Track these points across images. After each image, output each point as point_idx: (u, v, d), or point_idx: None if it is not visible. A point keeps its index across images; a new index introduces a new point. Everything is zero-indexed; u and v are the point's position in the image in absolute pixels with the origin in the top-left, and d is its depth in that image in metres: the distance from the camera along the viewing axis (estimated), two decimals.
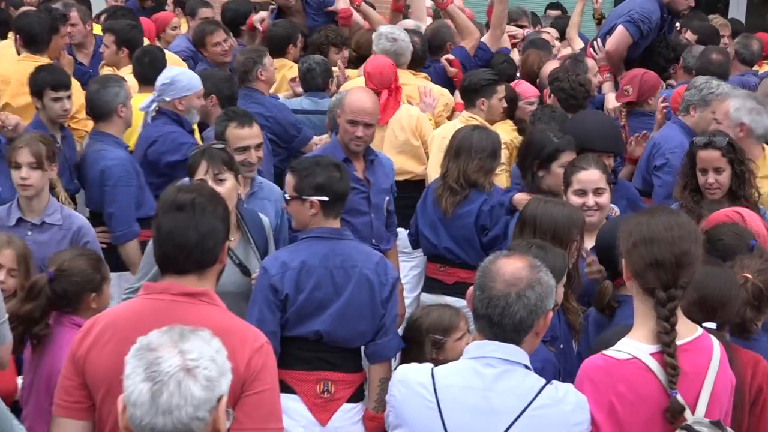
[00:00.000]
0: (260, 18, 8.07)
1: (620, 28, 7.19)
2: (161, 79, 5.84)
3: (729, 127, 5.42)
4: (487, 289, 2.92)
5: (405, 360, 3.76)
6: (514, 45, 8.25)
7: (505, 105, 6.19)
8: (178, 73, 5.98)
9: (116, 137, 5.64)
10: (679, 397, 2.93)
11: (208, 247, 2.98)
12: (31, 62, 6.48)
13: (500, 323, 2.91)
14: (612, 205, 5.03)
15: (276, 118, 6.40)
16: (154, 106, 5.79)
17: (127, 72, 6.87)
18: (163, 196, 3.27)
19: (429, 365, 3.10)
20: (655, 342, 2.98)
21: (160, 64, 6.51)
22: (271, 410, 2.92)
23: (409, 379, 3.03)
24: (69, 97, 5.79)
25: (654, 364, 2.96)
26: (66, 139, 5.89)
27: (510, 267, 2.96)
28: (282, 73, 7.48)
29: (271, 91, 7.03)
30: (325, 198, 4.21)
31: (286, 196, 4.30)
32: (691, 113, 5.90)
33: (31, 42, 6.84)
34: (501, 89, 6.18)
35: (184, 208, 2.99)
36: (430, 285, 5.60)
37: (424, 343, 3.80)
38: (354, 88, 5.72)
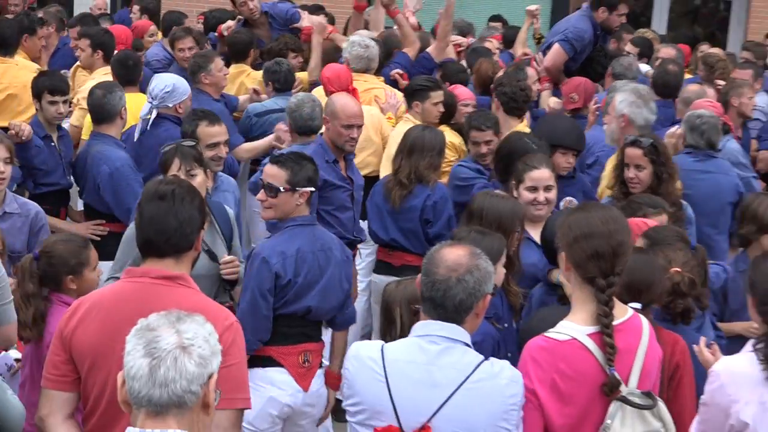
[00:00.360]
0: (227, 26, 8.45)
1: (556, 46, 7.86)
2: (161, 87, 6.10)
3: (614, 117, 5.88)
4: (431, 274, 3.14)
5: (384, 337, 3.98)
6: (459, 53, 8.68)
7: (441, 109, 6.50)
8: (174, 80, 6.26)
9: (116, 138, 5.91)
10: (615, 374, 3.13)
11: (185, 233, 3.19)
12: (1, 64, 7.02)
13: (443, 304, 3.12)
14: (571, 198, 5.42)
15: None
16: (155, 113, 6.05)
17: (101, 74, 7.22)
18: (146, 187, 3.54)
19: (380, 342, 3.32)
20: (593, 324, 3.19)
21: (140, 68, 7.03)
22: (239, 382, 3.12)
23: (361, 354, 3.23)
24: (65, 101, 6.09)
25: (591, 344, 3.17)
26: (62, 138, 6.18)
27: (452, 254, 3.17)
28: (241, 79, 7.88)
29: (233, 93, 7.48)
30: (313, 189, 4.61)
31: (280, 188, 4.54)
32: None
33: (1, 45, 7.23)
34: (435, 95, 6.47)
35: (165, 197, 3.20)
36: (380, 266, 5.95)
37: (395, 318, 4.04)
38: (337, 96, 6.02)
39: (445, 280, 3.11)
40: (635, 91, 6.09)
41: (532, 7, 8.52)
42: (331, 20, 9.46)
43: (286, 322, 4.54)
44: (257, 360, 4.47)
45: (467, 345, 3.16)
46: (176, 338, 2.37)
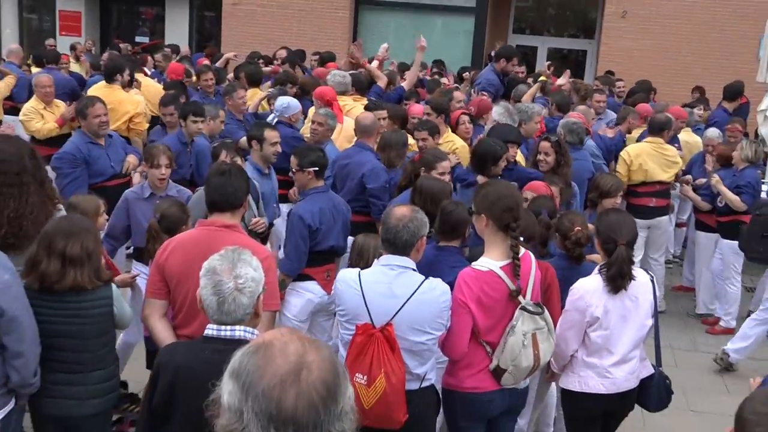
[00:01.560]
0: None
1: (479, 96, 9.22)
2: (281, 103, 7.67)
3: (491, 123, 7.36)
4: (386, 223, 3.82)
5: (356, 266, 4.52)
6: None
7: (390, 123, 7.65)
8: (289, 100, 7.85)
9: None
10: (519, 286, 3.83)
11: (237, 196, 3.95)
12: None
13: (395, 243, 3.79)
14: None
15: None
16: (275, 120, 7.46)
17: None
18: (211, 167, 4.47)
19: (357, 269, 3.92)
20: (503, 259, 3.85)
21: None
22: (273, 294, 3.77)
23: (346, 278, 3.86)
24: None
25: (502, 274, 3.85)
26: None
27: (398, 210, 3.85)
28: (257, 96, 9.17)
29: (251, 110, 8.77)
30: (316, 168, 5.45)
31: (293, 168, 5.52)
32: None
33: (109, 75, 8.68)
34: (382, 113, 7.61)
35: (224, 173, 4.02)
36: None
37: (366, 257, 4.85)
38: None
39: (395, 226, 3.78)
40: (505, 107, 7.68)
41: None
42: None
43: (316, 255, 5.48)
44: (300, 276, 5.47)
45: (413, 270, 3.80)
46: (233, 283, 2.84)
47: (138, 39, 18.21)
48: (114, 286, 3.91)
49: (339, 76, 8.86)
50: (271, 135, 6.32)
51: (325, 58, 12.24)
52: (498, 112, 7.53)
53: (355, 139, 7.10)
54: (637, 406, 5.78)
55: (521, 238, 4.01)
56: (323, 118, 7.21)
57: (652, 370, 4.54)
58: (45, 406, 3.84)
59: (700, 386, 6.97)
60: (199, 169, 6.98)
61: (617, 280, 4.21)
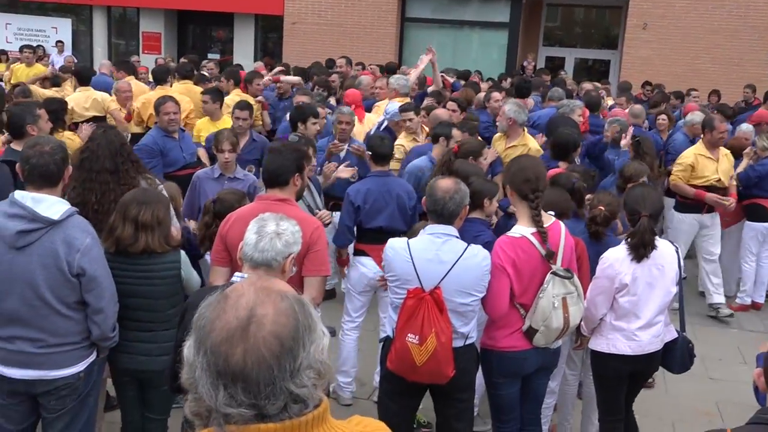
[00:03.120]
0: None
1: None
2: (391, 109, 7.41)
3: (504, 119, 6.88)
4: (432, 195, 3.72)
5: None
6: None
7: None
8: (395, 108, 7.41)
9: None
10: (550, 248, 3.72)
11: (280, 173, 3.82)
12: None
13: (442, 214, 3.69)
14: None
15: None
16: (384, 123, 7.40)
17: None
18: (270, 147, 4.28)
19: (405, 238, 3.82)
20: (533, 226, 3.77)
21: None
22: (323, 261, 3.71)
23: (395, 246, 3.76)
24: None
25: (533, 239, 3.75)
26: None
27: (444, 183, 3.75)
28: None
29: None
30: (371, 153, 5.39)
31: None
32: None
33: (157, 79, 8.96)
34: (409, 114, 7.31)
35: (274, 151, 3.94)
36: None
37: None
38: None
39: (442, 198, 3.69)
40: (516, 103, 7.17)
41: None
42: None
43: (370, 233, 5.26)
44: (358, 251, 5.34)
45: (457, 237, 3.72)
46: (275, 227, 2.88)
47: (210, 56, 18.36)
48: (183, 252, 3.85)
49: (402, 79, 8.71)
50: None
51: (389, 69, 12.02)
52: (512, 110, 6.94)
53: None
54: (660, 375, 5.71)
55: (552, 212, 3.89)
56: (348, 117, 6.83)
57: (675, 335, 4.34)
58: (121, 360, 3.83)
59: (719, 356, 6.70)
60: None
61: (639, 249, 4.06)
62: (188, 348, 1.35)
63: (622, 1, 16.54)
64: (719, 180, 7.26)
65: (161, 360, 3.75)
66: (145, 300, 3.74)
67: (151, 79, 12.63)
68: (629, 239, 4.09)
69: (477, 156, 5.63)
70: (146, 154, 6.40)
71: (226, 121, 7.57)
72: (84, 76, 8.98)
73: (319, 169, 6.20)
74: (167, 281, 3.76)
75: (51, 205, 3.33)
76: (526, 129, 7.14)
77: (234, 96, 8.80)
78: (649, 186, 4.80)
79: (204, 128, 7.73)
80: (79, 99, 8.48)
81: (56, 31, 19.32)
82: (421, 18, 17.58)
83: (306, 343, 1.34)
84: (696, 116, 8.54)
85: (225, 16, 18.86)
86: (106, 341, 3.59)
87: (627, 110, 8.71)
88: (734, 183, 7.39)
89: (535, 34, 18.62)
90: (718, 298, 7.57)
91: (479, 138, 6.57)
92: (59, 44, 17.79)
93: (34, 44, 14.84)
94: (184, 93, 8.74)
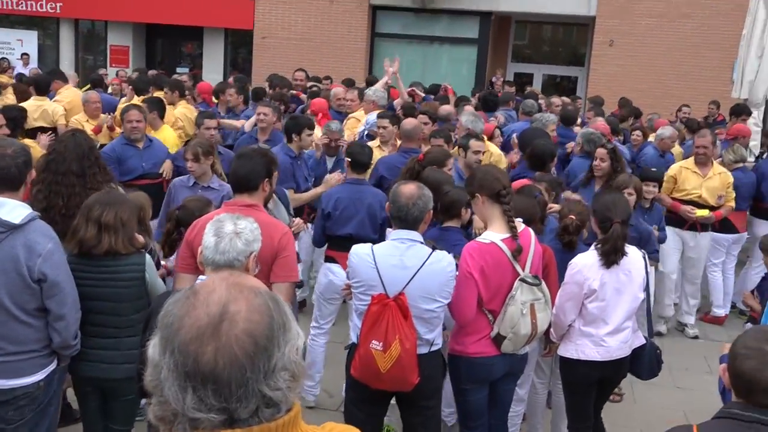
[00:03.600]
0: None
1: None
2: (372, 120, 7.49)
3: (462, 130, 7.01)
4: (396, 202, 3.67)
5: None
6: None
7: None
8: (373, 119, 7.51)
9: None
10: (519, 244, 3.71)
11: (249, 179, 3.68)
12: None
13: (406, 219, 3.66)
14: None
15: None
16: (366, 131, 7.52)
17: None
18: (238, 152, 4.15)
19: (369, 244, 3.75)
20: (503, 232, 3.75)
21: None
22: (291, 266, 3.59)
23: (359, 252, 3.70)
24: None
25: (503, 246, 3.73)
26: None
27: (407, 189, 3.70)
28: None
29: None
30: (350, 159, 5.38)
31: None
32: None
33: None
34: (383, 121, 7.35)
35: (242, 156, 3.82)
36: None
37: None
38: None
39: (405, 205, 3.64)
40: (472, 113, 7.44)
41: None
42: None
43: (340, 240, 5.18)
44: (328, 258, 5.32)
45: (422, 242, 3.67)
46: (233, 227, 2.86)
47: (179, 70, 18.25)
48: (147, 255, 3.79)
49: (380, 92, 8.80)
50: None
51: (346, 84, 12.08)
52: (469, 121, 7.07)
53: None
54: (627, 385, 5.73)
55: (520, 219, 3.90)
56: (337, 134, 6.90)
57: (644, 341, 4.37)
58: (82, 369, 3.74)
59: (685, 366, 6.76)
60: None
61: (611, 255, 4.08)
62: (153, 347, 1.27)
63: (588, 19, 16.81)
64: (700, 196, 7.25)
65: (125, 368, 3.67)
66: (108, 303, 3.67)
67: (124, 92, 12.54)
68: (600, 245, 4.11)
69: (441, 165, 5.64)
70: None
71: (165, 130, 7.63)
72: (42, 87, 8.97)
73: (310, 181, 6.33)
74: (131, 283, 3.69)
75: (12, 209, 3.26)
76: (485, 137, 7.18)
77: (181, 108, 8.74)
78: (618, 192, 4.84)
79: None
80: (30, 108, 8.41)
81: (21, 43, 19.09)
82: (392, 33, 17.70)
83: (281, 343, 1.26)
84: (666, 130, 8.69)
85: (194, 30, 18.78)
86: (68, 349, 3.51)
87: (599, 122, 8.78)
88: (724, 203, 7.30)
89: (504, 51, 18.85)
90: (689, 318, 7.64)
91: (458, 146, 6.55)
92: (24, 57, 17.58)
93: None
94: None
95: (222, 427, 1.23)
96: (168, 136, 7.55)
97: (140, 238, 3.89)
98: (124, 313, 3.70)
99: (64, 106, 8.81)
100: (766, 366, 2.16)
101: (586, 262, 4.13)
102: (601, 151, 6.30)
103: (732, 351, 2.24)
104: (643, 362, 4.35)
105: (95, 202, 3.69)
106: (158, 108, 7.77)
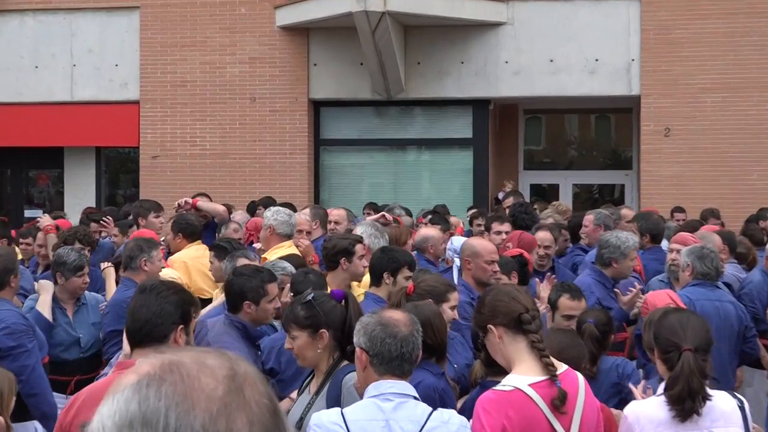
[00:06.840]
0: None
1: None
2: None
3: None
4: (385, 337, 3.82)
5: None
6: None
7: None
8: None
9: None
10: (559, 387, 3.77)
11: (159, 323, 3.74)
12: None
13: (402, 359, 3.81)
14: None
15: None
16: None
17: None
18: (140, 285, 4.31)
19: (337, 408, 3.80)
20: (534, 374, 3.80)
21: None
22: None
23: (324, 422, 3.68)
24: None
25: (532, 392, 3.75)
26: None
27: (396, 315, 3.91)
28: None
29: None
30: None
31: None
32: None
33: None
34: None
35: (145, 291, 3.88)
36: None
37: None
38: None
39: (406, 337, 3.80)
40: (372, 224, 8.51)
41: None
42: None
43: None
44: None
45: (416, 398, 3.75)
46: None
47: (27, 213, 18.42)
48: None
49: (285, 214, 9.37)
50: None
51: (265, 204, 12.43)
52: (366, 232, 7.99)
53: None
54: None
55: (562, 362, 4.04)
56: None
57: None
58: None
59: None
60: None
61: (685, 401, 4.09)
62: None
63: (631, 102, 17.38)
64: None
65: None
66: None
67: None
68: (668, 388, 4.17)
69: (441, 300, 5.86)
70: None
71: None
72: None
73: None
74: None
75: None
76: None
77: None
78: (688, 310, 5.03)
79: None
80: None
81: None
82: (343, 140, 18.04)
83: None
84: None
85: (52, 151, 19.05)
86: None
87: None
88: None
89: (512, 153, 19.22)
90: None
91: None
92: None
93: None
94: None
95: None
96: None
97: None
98: None
99: None
100: None
101: (639, 413, 4.17)
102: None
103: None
104: None
105: None
106: None
